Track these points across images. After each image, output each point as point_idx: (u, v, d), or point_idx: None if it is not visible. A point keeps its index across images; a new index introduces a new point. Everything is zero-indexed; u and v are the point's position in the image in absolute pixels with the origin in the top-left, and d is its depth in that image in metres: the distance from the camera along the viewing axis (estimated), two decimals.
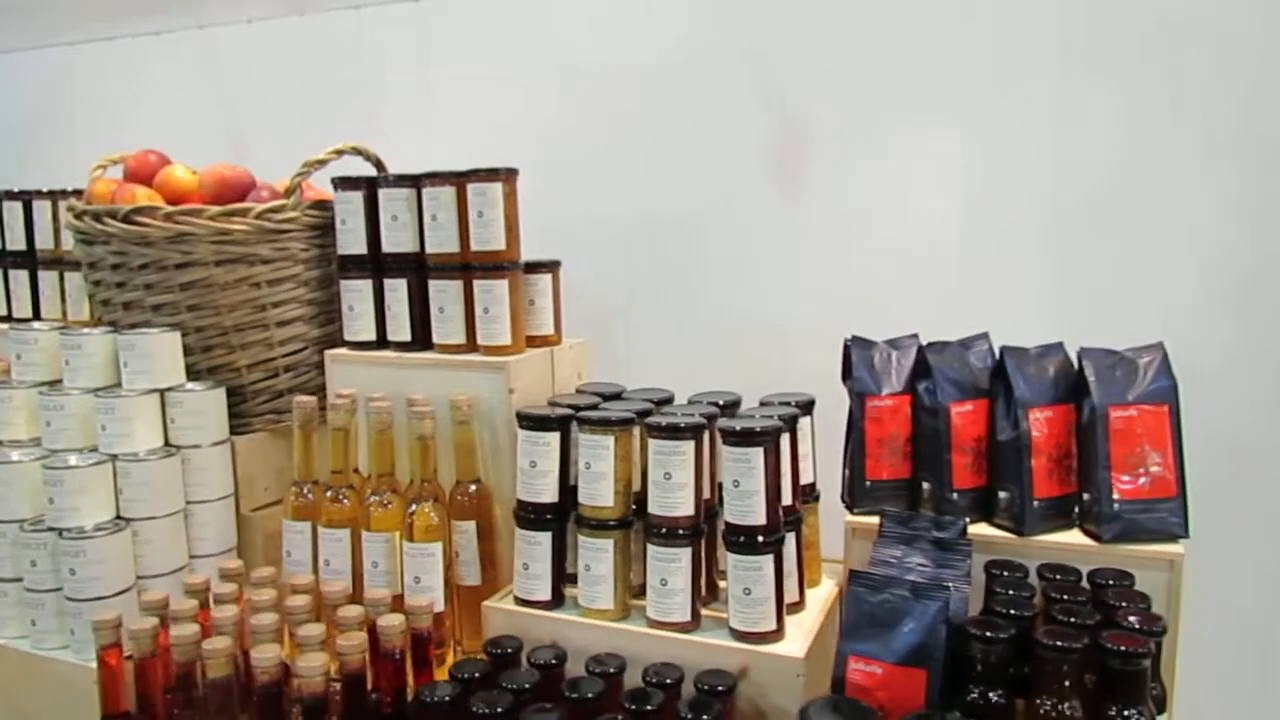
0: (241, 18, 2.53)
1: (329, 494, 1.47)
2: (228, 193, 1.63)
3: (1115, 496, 1.31)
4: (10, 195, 2.06)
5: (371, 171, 1.74)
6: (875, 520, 1.38)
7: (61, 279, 2.02)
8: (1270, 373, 1.65)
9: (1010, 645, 1.08)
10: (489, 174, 1.49)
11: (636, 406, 1.40)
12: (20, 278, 2.06)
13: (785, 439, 1.31)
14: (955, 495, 1.39)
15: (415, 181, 1.56)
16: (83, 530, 1.40)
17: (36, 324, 1.71)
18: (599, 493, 1.33)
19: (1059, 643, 1.03)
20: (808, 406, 1.45)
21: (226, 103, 2.55)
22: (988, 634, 1.08)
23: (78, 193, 1.96)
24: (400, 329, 1.59)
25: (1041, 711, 1.03)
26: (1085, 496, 1.36)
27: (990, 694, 1.07)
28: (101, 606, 1.37)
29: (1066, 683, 1.03)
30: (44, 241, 2.04)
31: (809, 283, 1.96)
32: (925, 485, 1.42)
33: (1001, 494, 1.38)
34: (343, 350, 1.64)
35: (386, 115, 2.31)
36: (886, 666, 1.10)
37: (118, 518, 1.45)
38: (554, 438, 1.37)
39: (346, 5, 2.37)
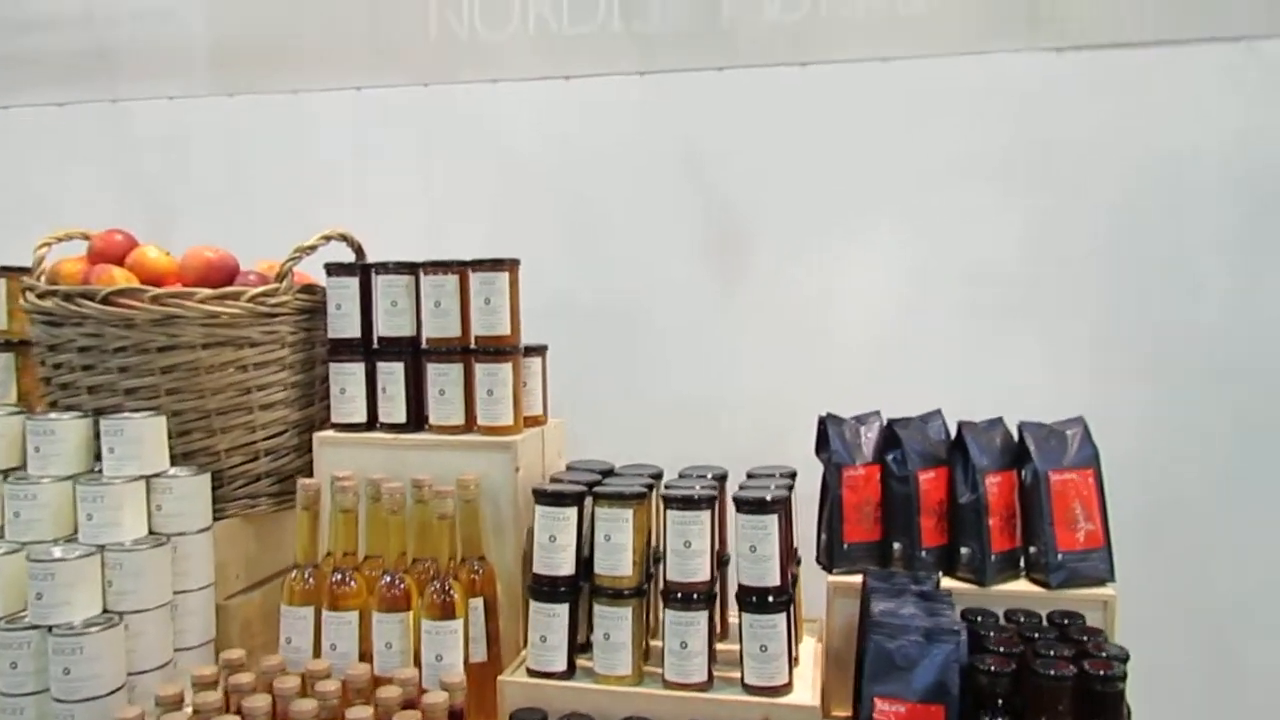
0: (163, 94, 2.49)
1: (337, 577, 1.46)
2: (214, 275, 1.63)
3: (1058, 549, 1.53)
4: None
5: (350, 256, 1.79)
6: (855, 579, 1.53)
7: None
8: (1174, 438, 1.96)
9: (1013, 678, 1.24)
10: (495, 264, 1.58)
11: (644, 481, 1.50)
12: None
13: None
14: (924, 553, 1.56)
15: (413, 269, 1.62)
16: (72, 626, 1.33)
17: None
18: (619, 563, 1.41)
19: (1054, 672, 1.21)
20: (793, 477, 1.60)
21: (145, 179, 2.48)
22: (994, 669, 1.24)
23: (20, 270, 1.87)
24: (395, 411, 1.63)
25: None
26: (1031, 550, 1.57)
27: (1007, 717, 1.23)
28: (95, 706, 1.31)
29: (1060, 706, 1.21)
30: None
31: (748, 362, 2.14)
32: (896, 545, 1.59)
33: (963, 550, 1.56)
34: (331, 432, 1.65)
35: (324, 198, 2.33)
36: (909, 705, 1.24)
37: (105, 611, 1.39)
38: (572, 512, 1.44)
39: (284, 89, 2.40)
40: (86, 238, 1.84)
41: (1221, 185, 1.94)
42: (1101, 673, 1.21)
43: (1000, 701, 1.24)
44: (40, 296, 1.59)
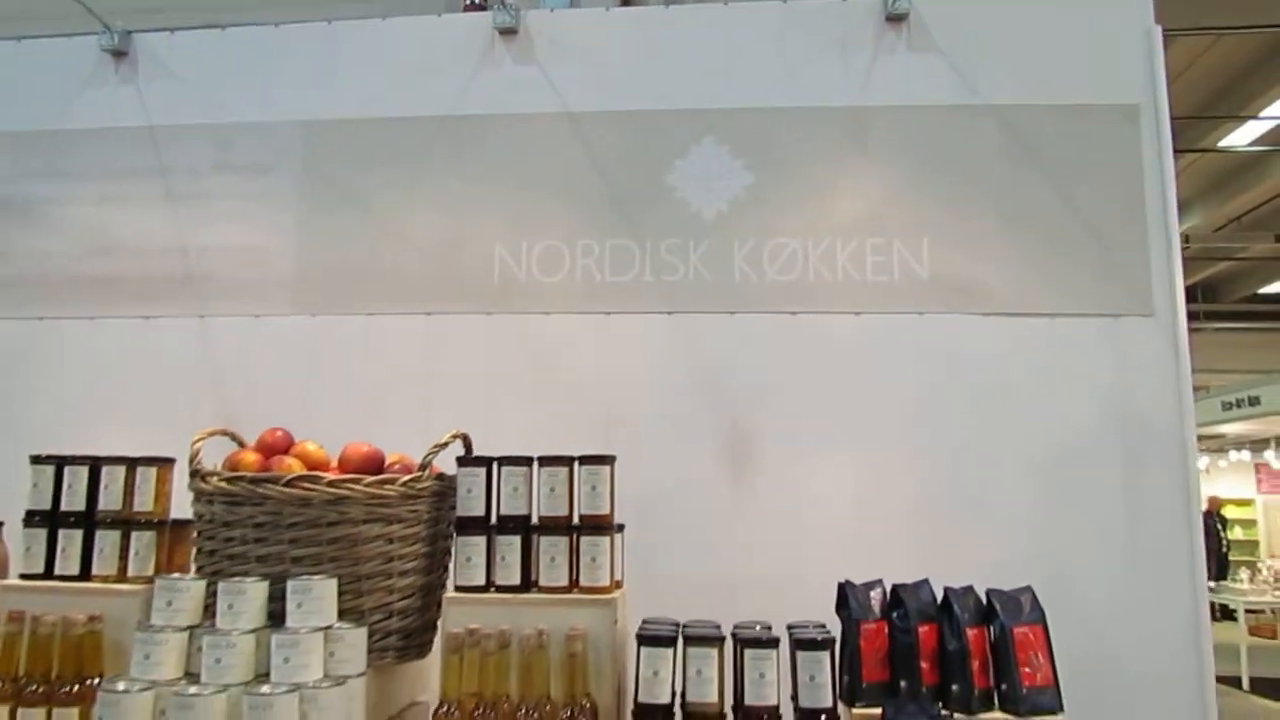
0: (249, 313, 2.94)
1: (479, 710, 1.82)
2: (369, 465, 2.05)
3: (1023, 685, 2.03)
4: (75, 460, 2.26)
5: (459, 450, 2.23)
6: (875, 710, 1.98)
7: (125, 538, 2.21)
8: (1111, 593, 2.51)
9: None
10: (599, 459, 2.07)
11: (717, 632, 1.94)
12: (73, 537, 2.21)
13: None
14: (924, 690, 2.03)
15: (529, 461, 2.09)
16: None
17: (181, 576, 1.94)
18: (707, 692, 1.83)
19: None
20: (824, 628, 2.06)
21: (226, 384, 2.88)
22: None
23: (165, 460, 2.24)
24: (510, 575, 2.04)
25: None
26: (1003, 686, 2.06)
27: None
28: None
29: None
30: (109, 503, 2.23)
31: (755, 545, 2.63)
32: (902, 683, 2.05)
33: (953, 687, 2.04)
34: (456, 594, 2.04)
35: (390, 408, 2.76)
36: None
37: None
38: (669, 652, 1.87)
39: (361, 312, 2.88)
40: (228, 434, 2.24)
41: (1099, 421, 2.64)
42: None
43: None
44: (227, 481, 1.97)
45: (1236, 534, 14.96)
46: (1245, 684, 8.64)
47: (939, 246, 2.75)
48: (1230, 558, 12.46)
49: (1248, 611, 10.30)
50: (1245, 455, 13.93)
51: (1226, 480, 14.31)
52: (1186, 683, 2.54)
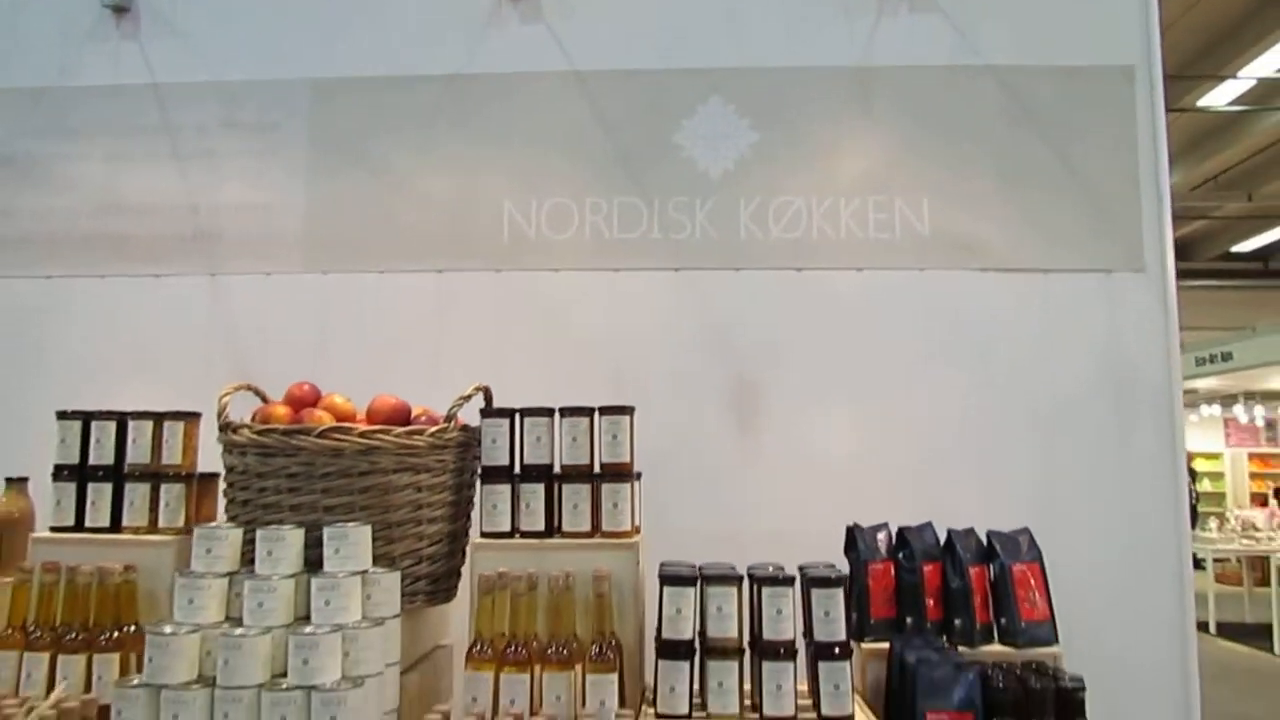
0: (260, 271, 2.97)
1: (511, 648, 1.91)
2: (397, 416, 2.11)
3: (1022, 619, 2.15)
4: (102, 415, 2.31)
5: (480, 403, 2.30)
6: (882, 645, 2.10)
7: (155, 491, 2.26)
8: (1088, 538, 2.64)
9: (1017, 692, 1.82)
10: (619, 409, 2.14)
11: (735, 572, 2.03)
12: (103, 490, 2.27)
13: None
14: (929, 625, 2.15)
15: (550, 413, 2.16)
16: (336, 685, 1.72)
17: (220, 525, 2.00)
18: (727, 628, 1.93)
19: (1043, 686, 1.80)
20: (833, 568, 2.16)
21: (239, 340, 2.92)
22: (1004, 685, 1.82)
23: (192, 414, 2.29)
24: (535, 521, 2.12)
25: None
26: (1002, 620, 2.18)
27: None
28: None
29: (1047, 709, 1.80)
30: (138, 457, 2.28)
31: (763, 497, 2.72)
32: (908, 620, 2.17)
33: (956, 621, 2.16)
34: (482, 539, 2.12)
35: (401, 364, 2.81)
36: (950, 714, 1.80)
37: (344, 677, 1.78)
38: (692, 591, 1.96)
39: (373, 269, 2.93)
40: (251, 389, 2.29)
41: (1093, 373, 2.74)
42: (1072, 685, 1.81)
43: (1007, 708, 1.81)
44: (260, 433, 2.03)
45: (1205, 486, 15.39)
46: (1212, 628, 8.98)
47: (939, 204, 2.83)
48: (1199, 509, 12.83)
49: (1215, 560, 10.66)
50: (1216, 410, 14.28)
51: (1197, 434, 14.67)
52: (1169, 621, 2.68)
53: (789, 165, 2.87)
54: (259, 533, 1.93)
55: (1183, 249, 12.13)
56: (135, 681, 1.76)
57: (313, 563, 1.95)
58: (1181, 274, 2.90)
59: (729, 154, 2.86)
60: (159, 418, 2.30)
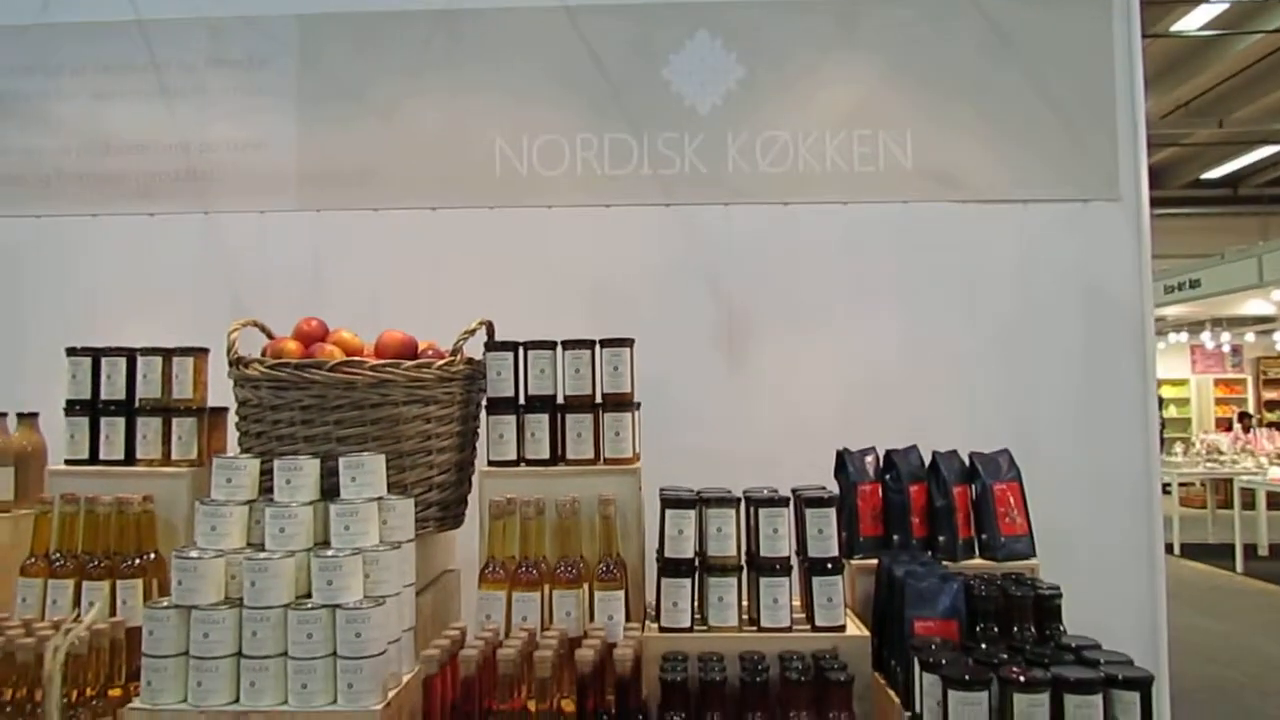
0: (254, 209, 2.99)
1: (522, 569, 2.01)
2: (405, 350, 2.18)
3: (1002, 534, 2.28)
4: (112, 351, 2.36)
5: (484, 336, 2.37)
6: (870, 562, 2.22)
7: (167, 425, 2.33)
8: (1063, 459, 2.76)
9: (998, 599, 1.95)
10: (620, 341, 2.22)
11: (732, 494, 2.14)
12: (116, 424, 2.33)
13: None
14: (914, 541, 2.28)
15: (553, 345, 2.23)
16: (360, 604, 1.82)
17: (237, 456, 2.07)
18: (726, 547, 2.04)
19: (1022, 594, 1.93)
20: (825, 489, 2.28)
21: (235, 277, 2.95)
22: (986, 593, 1.95)
23: (200, 350, 2.34)
24: (540, 450, 2.21)
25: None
26: (983, 536, 2.31)
27: (994, 626, 1.93)
28: (376, 661, 1.79)
29: (1027, 615, 1.93)
30: (148, 392, 2.34)
31: (749, 424, 2.83)
32: (895, 537, 2.29)
33: (940, 538, 2.29)
34: (490, 468, 2.21)
35: (397, 300, 2.86)
36: (936, 621, 1.93)
37: (365, 597, 1.88)
38: (692, 513, 2.06)
39: (367, 207, 2.96)
40: (258, 325, 2.34)
41: (1069, 301, 2.85)
42: (1049, 593, 1.95)
43: (989, 615, 1.94)
44: (272, 367, 2.09)
45: (1171, 412, 15.80)
46: (1176, 549, 9.34)
47: (922, 137, 2.89)
48: (1165, 435, 13.20)
49: (1181, 485, 11.01)
50: (1183, 337, 14.58)
51: (1163, 362, 14.99)
52: (1138, 539, 2.84)
53: (775, 100, 2.91)
54: (276, 463, 2.00)
55: (1153, 176, 12.11)
56: (165, 603, 1.84)
57: (327, 491, 2.03)
58: (1153, 202, 2.99)
59: (716, 89, 2.90)
60: (168, 353, 2.36)
